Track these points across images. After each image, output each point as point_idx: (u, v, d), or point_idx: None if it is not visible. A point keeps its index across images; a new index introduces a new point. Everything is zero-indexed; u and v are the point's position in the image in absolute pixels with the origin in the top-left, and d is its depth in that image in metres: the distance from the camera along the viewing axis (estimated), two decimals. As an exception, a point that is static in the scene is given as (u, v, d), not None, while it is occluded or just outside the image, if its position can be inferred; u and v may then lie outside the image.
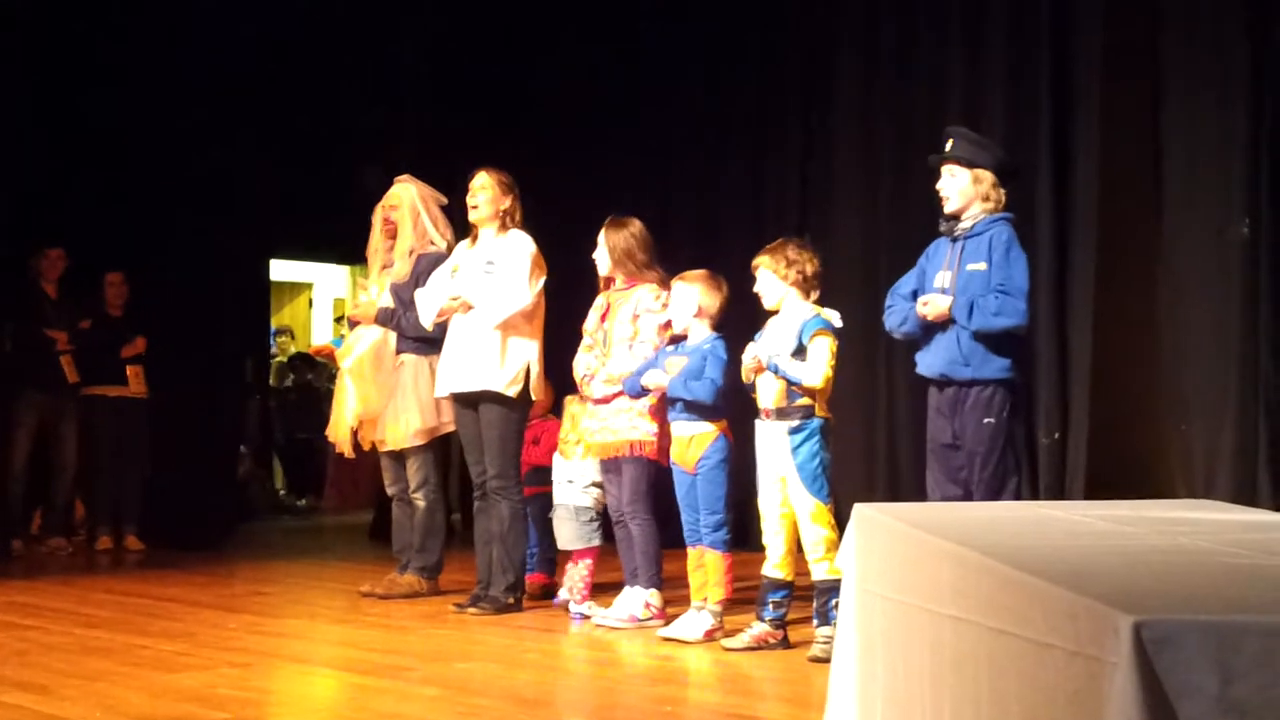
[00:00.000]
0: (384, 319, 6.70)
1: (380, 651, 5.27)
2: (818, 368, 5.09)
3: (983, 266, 5.23)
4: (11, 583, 7.30)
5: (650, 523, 5.82)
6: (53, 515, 9.08)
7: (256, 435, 12.22)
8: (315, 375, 12.75)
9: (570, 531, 6.28)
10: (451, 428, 6.63)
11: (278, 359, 13.56)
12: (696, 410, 5.51)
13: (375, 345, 6.78)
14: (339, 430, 6.89)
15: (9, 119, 8.62)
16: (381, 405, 6.74)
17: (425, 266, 6.58)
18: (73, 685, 4.52)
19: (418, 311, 6.35)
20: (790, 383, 5.13)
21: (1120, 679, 1.64)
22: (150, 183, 9.25)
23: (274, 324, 13.87)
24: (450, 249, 6.63)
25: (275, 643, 5.54)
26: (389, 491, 6.94)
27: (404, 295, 6.61)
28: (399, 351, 6.74)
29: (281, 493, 12.78)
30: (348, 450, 6.96)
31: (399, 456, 6.79)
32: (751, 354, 5.23)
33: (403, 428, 6.65)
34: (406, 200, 6.77)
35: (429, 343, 6.55)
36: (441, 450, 6.98)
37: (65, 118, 9.17)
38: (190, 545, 8.80)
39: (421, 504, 6.75)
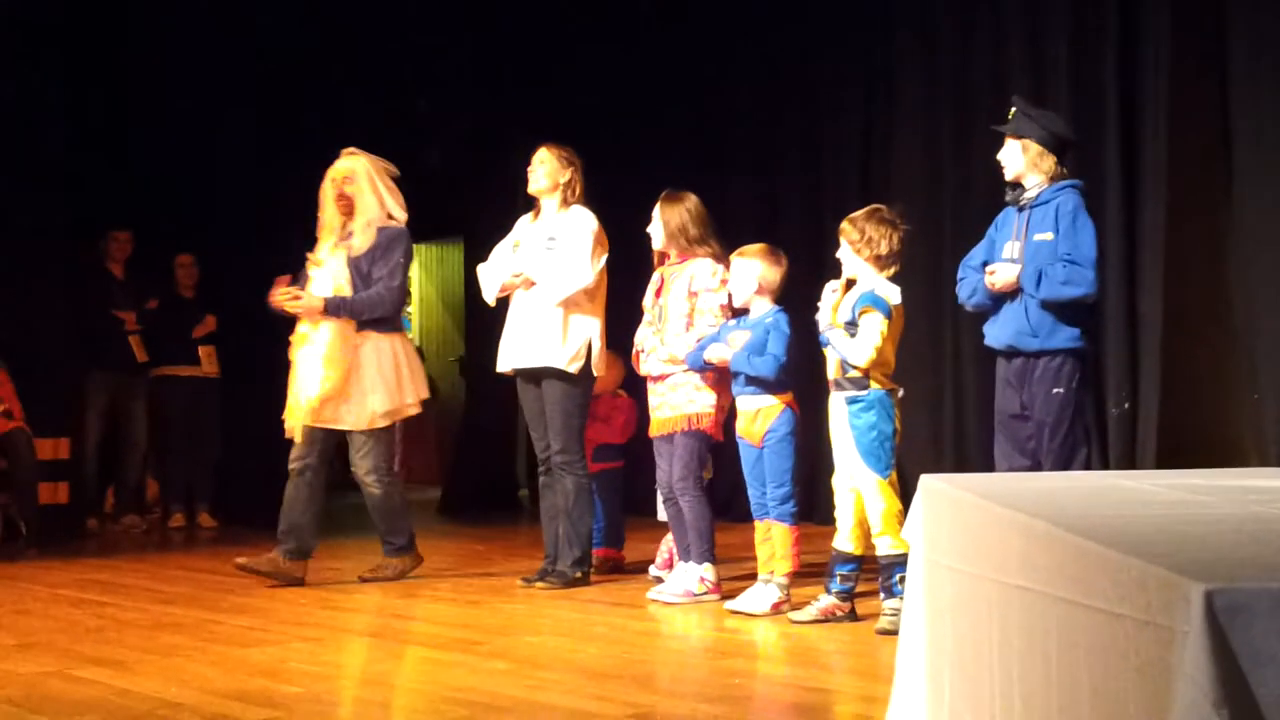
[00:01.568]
0: (334, 308, 6.32)
1: (449, 625, 5.31)
2: (864, 346, 5.02)
3: (1050, 236, 5.18)
4: (87, 560, 7.44)
5: (701, 499, 5.78)
6: (125, 494, 9.24)
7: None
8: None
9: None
10: (414, 410, 6.55)
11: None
12: (761, 384, 5.49)
13: (337, 328, 6.36)
14: (294, 414, 6.44)
15: (69, 103, 8.73)
16: (342, 386, 6.37)
17: (384, 240, 6.46)
18: (147, 661, 4.60)
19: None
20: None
21: (1191, 648, 1.62)
22: (212, 164, 9.34)
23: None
24: (407, 223, 6.57)
25: (346, 618, 5.60)
26: (291, 465, 6.43)
27: (363, 268, 6.44)
28: (360, 328, 6.42)
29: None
30: (298, 436, 6.44)
31: (323, 432, 6.43)
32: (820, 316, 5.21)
33: (367, 409, 6.39)
34: (361, 172, 6.55)
35: (389, 321, 6.49)
36: (388, 434, 6.57)
37: (123, 101, 9.28)
38: (262, 522, 8.90)
39: (377, 491, 6.46)
